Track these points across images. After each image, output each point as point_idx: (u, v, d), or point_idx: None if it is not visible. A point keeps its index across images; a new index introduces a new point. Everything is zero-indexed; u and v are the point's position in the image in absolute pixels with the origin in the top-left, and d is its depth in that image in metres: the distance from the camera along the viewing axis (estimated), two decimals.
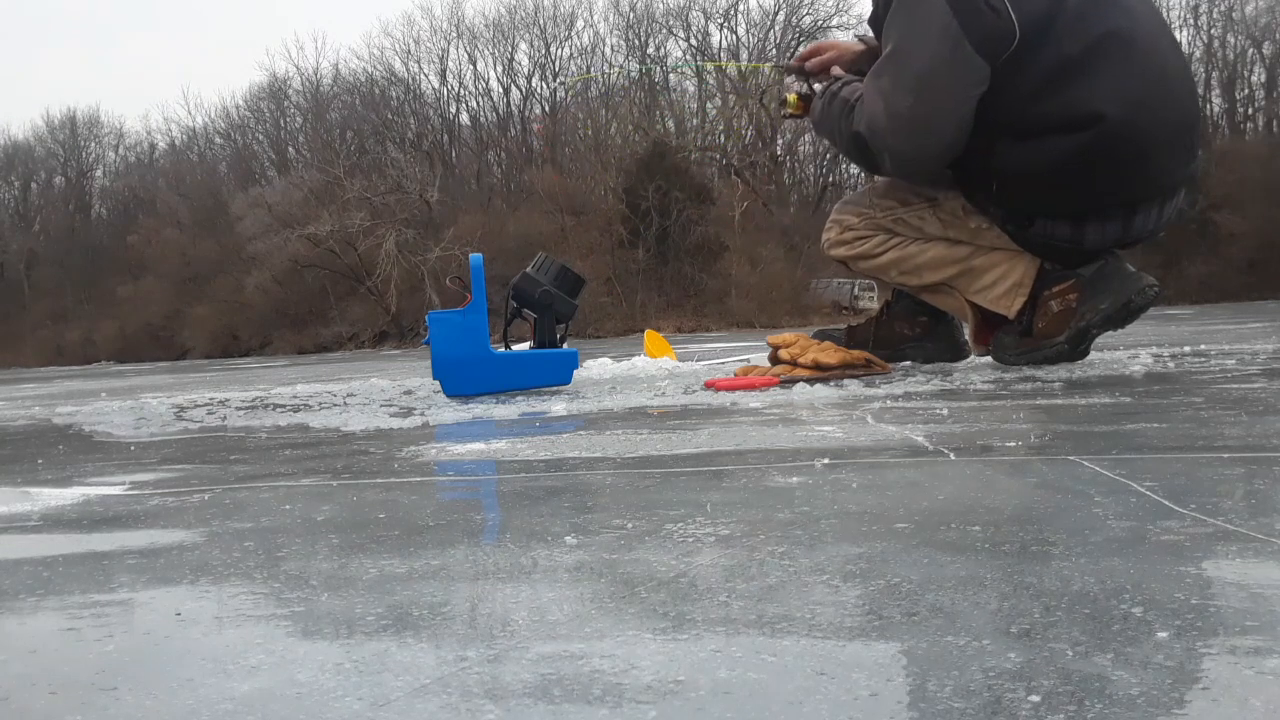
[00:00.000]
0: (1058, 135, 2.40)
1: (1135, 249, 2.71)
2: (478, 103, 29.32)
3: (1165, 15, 27.62)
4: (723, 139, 25.60)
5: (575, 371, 2.86)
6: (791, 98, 2.86)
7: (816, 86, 2.84)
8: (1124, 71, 2.37)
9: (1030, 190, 2.51)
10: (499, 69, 29.21)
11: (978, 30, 2.32)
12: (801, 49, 2.92)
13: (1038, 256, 2.61)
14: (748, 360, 3.57)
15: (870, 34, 2.77)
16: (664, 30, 27.91)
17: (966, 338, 2.85)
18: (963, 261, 2.67)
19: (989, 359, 2.75)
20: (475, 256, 2.88)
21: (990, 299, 2.66)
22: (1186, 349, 3.18)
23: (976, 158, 2.50)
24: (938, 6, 2.33)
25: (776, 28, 26.25)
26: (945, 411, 1.73)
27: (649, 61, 27.91)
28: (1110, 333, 2.66)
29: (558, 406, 2.28)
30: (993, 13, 2.31)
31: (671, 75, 27.83)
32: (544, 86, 28.80)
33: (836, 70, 2.78)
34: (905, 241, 2.72)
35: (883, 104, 2.49)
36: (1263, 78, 25.57)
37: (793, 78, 2.89)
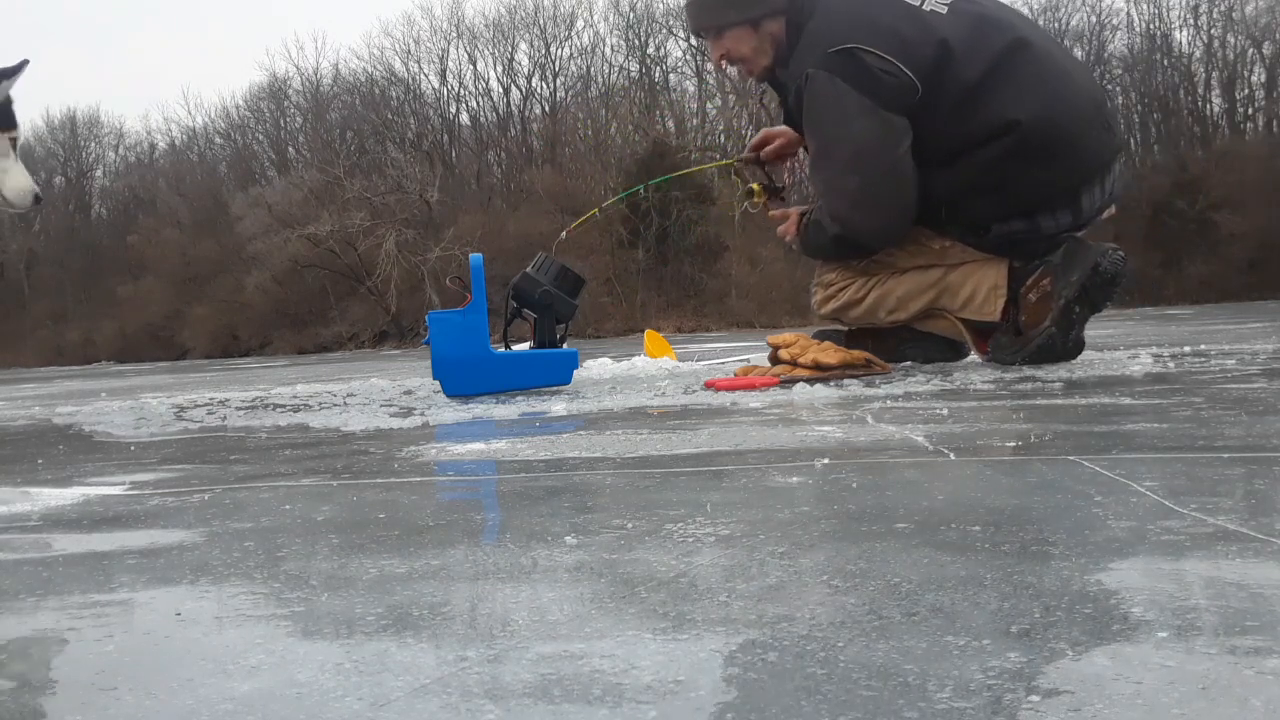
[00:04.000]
0: (979, 147, 2.58)
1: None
2: (478, 103, 29.26)
3: (1164, 16, 27.64)
4: (723, 139, 25.59)
5: (575, 371, 2.86)
6: (756, 187, 3.06)
7: (786, 211, 3.00)
8: (1026, 77, 2.56)
9: (975, 202, 2.66)
10: (499, 69, 29.12)
11: (883, 95, 2.54)
12: (750, 142, 3.15)
13: (1004, 255, 2.72)
14: (748, 360, 3.57)
15: None
16: (664, 30, 27.87)
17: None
18: (938, 283, 2.79)
19: (988, 358, 2.77)
20: (475, 256, 2.88)
21: (973, 310, 2.76)
22: (1186, 349, 3.18)
23: (919, 193, 2.67)
24: (841, 90, 2.55)
25: None
26: (945, 411, 1.73)
27: (648, 61, 27.89)
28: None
29: (558, 406, 2.28)
30: (888, 75, 2.52)
31: (671, 75, 27.84)
32: (544, 86, 28.78)
33: (781, 214, 2.98)
34: (882, 279, 2.85)
35: (834, 194, 2.72)
36: (1263, 78, 25.51)
37: (752, 170, 3.11)
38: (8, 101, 2.57)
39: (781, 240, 3.04)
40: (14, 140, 2.59)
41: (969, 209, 2.68)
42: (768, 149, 3.04)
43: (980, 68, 2.55)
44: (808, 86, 2.61)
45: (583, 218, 3.81)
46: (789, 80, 2.70)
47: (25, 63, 2.55)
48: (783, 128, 3.05)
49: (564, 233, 3.60)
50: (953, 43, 2.54)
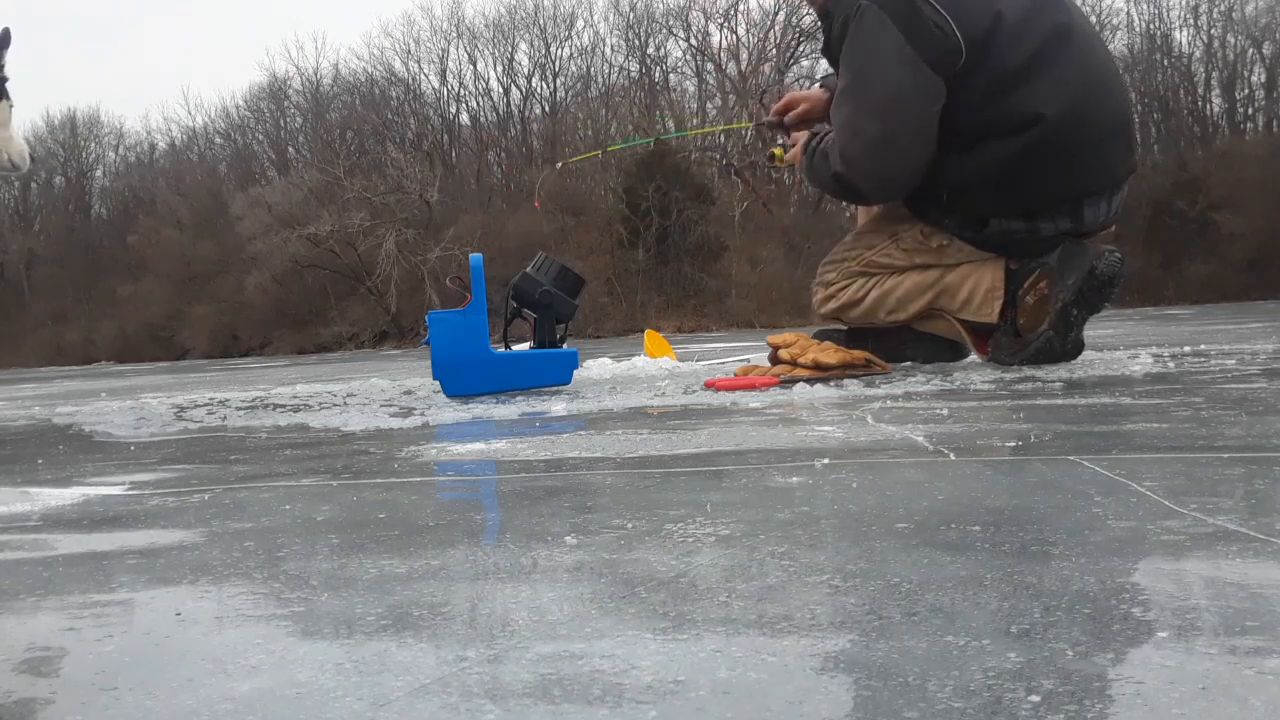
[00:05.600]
0: (1001, 139, 2.53)
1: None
2: (478, 103, 29.22)
3: (1164, 16, 27.67)
4: (723, 139, 25.59)
5: (575, 371, 2.86)
6: (778, 151, 3.06)
7: (797, 137, 2.99)
8: (1063, 71, 2.51)
9: (979, 194, 2.63)
10: (499, 69, 29.09)
11: (930, 50, 2.47)
12: (774, 106, 3.10)
13: (1000, 253, 2.71)
14: (748, 360, 3.57)
15: (831, 77, 2.91)
16: (664, 30, 27.85)
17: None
18: (936, 284, 2.78)
19: (989, 359, 2.77)
20: (475, 256, 2.88)
21: (971, 311, 2.75)
22: (1186, 349, 3.18)
23: (926, 172, 2.63)
24: (890, 32, 2.48)
25: (777, 28, 26.21)
26: (945, 411, 1.73)
27: (648, 61, 27.88)
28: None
29: (558, 406, 2.28)
30: (940, 32, 2.45)
31: (671, 75, 27.84)
32: (544, 86, 28.76)
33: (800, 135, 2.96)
34: (881, 279, 2.84)
35: (851, 133, 2.63)
36: (1263, 78, 25.48)
37: (775, 133, 3.10)
38: (1, 70, 2.65)
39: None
40: (11, 107, 2.72)
41: (972, 200, 2.65)
42: (792, 114, 2.98)
43: (1025, 51, 2.49)
44: (856, 18, 2.54)
45: (585, 154, 3.81)
46: (838, 10, 2.62)
47: (7, 31, 2.63)
48: (809, 92, 3.01)
49: (559, 164, 3.58)
50: (1007, 17, 2.49)
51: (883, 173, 2.65)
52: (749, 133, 25.25)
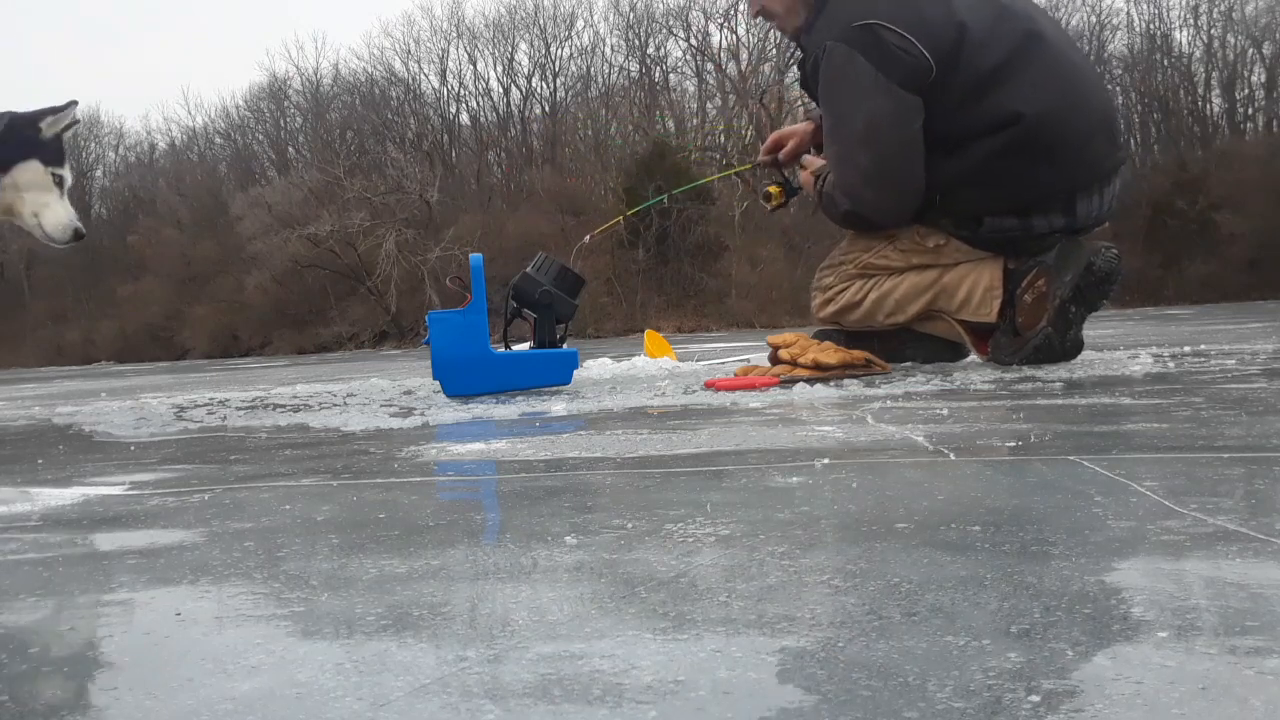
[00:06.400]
0: (983, 138, 2.59)
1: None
2: (478, 103, 29.21)
3: (1164, 16, 27.65)
4: (723, 139, 25.57)
5: (575, 371, 2.86)
6: (774, 190, 3.12)
7: (809, 162, 3.04)
8: (1037, 73, 2.59)
9: (970, 192, 2.67)
10: (499, 69, 29.09)
11: (898, 72, 2.56)
12: (763, 146, 3.18)
13: (997, 253, 2.73)
14: (748, 360, 3.57)
15: (814, 108, 2.99)
16: (664, 30, 27.84)
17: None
18: (934, 285, 2.80)
19: (989, 359, 2.78)
20: (475, 256, 2.88)
21: (970, 311, 2.77)
22: (1186, 349, 3.18)
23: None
24: (859, 65, 2.58)
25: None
26: (945, 411, 1.73)
27: (648, 61, 27.88)
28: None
29: (558, 406, 2.28)
30: (906, 54, 2.55)
31: (671, 75, 27.85)
32: (544, 86, 28.77)
33: (809, 159, 3.04)
34: (879, 281, 2.86)
35: (847, 168, 2.74)
36: (1263, 78, 25.45)
37: (769, 171, 3.16)
38: (56, 138, 2.59)
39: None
40: (59, 177, 2.59)
41: (963, 199, 2.69)
42: (784, 150, 3.08)
43: (995, 57, 2.57)
44: (825, 58, 2.64)
45: (607, 224, 3.88)
46: (810, 48, 2.72)
47: (74, 103, 2.58)
48: (794, 127, 3.10)
49: (586, 237, 3.62)
50: (971, 27, 2.56)
51: (885, 199, 2.74)
52: (749, 133, 25.25)
